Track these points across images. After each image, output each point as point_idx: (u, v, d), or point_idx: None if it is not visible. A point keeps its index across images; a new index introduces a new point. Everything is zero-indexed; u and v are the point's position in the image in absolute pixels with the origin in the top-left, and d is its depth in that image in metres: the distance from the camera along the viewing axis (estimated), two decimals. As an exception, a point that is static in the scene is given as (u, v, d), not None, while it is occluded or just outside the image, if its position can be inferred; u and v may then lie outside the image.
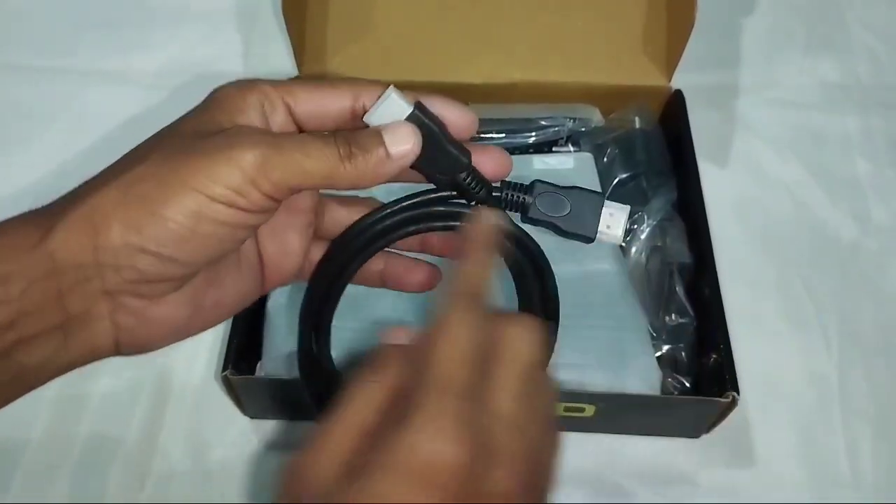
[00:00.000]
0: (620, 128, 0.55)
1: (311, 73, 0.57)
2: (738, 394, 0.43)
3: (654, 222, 0.51)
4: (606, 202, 0.34)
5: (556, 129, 0.54)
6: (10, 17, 0.69)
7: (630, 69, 0.56)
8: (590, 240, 0.34)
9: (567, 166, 0.52)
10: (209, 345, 0.51)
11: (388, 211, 0.34)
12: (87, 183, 0.30)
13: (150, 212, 0.28)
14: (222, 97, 0.31)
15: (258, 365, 0.46)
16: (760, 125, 0.63)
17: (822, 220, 0.58)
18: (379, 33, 0.57)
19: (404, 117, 0.30)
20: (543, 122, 0.54)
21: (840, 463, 0.48)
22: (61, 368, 0.30)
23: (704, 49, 0.56)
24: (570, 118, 0.54)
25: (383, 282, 0.37)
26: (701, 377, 0.48)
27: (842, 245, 0.57)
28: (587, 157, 0.53)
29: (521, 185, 0.34)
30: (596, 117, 0.55)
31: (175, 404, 0.50)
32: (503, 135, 0.53)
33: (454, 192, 0.34)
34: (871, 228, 0.58)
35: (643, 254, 0.50)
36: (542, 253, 0.35)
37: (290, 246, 0.36)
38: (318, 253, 0.36)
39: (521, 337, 0.28)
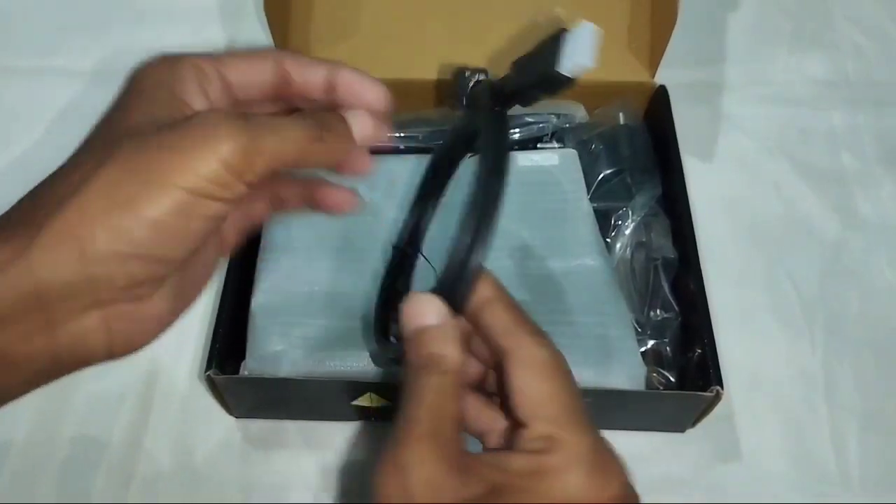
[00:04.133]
0: (605, 124, 0.55)
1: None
2: (723, 388, 0.43)
3: (639, 218, 0.51)
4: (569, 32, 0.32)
5: (541, 125, 0.54)
6: (-5, 18, 0.69)
7: (614, 65, 0.56)
8: (562, 77, 0.32)
9: (552, 163, 0.52)
10: (194, 345, 0.51)
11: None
12: (51, 187, 0.29)
13: (136, 216, 0.27)
14: (154, 76, 0.30)
15: (242, 364, 0.45)
16: (746, 121, 0.63)
17: (808, 215, 0.58)
18: (362, 32, 0.57)
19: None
20: (528, 119, 0.54)
21: (826, 458, 0.48)
22: (52, 379, 0.30)
23: (690, 45, 0.56)
24: (555, 115, 0.54)
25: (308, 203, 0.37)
26: (686, 372, 0.48)
27: (827, 240, 0.57)
28: (572, 154, 0.53)
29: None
30: (580, 113, 0.55)
31: (160, 405, 0.49)
32: (487, 132, 0.52)
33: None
34: (857, 224, 0.58)
35: (628, 249, 0.50)
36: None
37: (258, 213, 0.36)
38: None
39: None
